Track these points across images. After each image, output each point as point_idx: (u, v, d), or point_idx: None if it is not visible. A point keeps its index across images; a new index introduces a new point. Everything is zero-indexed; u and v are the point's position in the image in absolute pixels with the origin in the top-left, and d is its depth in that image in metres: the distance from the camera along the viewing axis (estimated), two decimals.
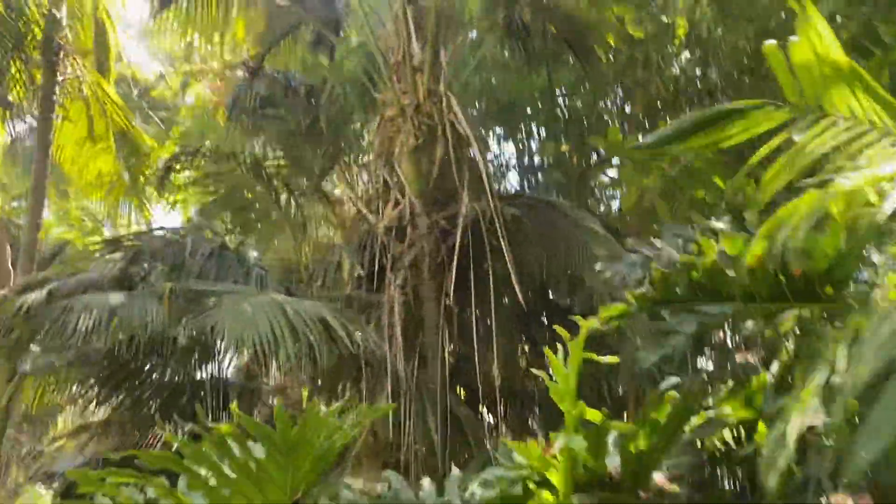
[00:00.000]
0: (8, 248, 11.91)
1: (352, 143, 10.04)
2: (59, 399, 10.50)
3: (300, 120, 9.05)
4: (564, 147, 10.53)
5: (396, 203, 7.39)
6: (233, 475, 1.87)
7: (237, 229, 9.56)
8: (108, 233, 15.29)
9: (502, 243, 6.38)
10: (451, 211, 7.07)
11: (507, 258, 6.32)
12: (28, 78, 9.48)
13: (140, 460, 1.87)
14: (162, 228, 7.38)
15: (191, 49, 13.35)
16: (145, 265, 6.74)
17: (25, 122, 14.78)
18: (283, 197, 9.16)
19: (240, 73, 9.00)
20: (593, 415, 1.85)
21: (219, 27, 10.73)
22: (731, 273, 2.30)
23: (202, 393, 7.59)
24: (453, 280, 6.79)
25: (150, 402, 7.54)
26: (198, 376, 7.55)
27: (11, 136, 15.58)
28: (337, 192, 10.51)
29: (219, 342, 6.67)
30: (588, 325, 1.92)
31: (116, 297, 6.12)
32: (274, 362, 8.09)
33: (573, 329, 2.06)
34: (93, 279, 6.60)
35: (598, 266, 4.30)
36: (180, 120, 13.07)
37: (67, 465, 7.68)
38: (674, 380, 1.99)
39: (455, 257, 6.78)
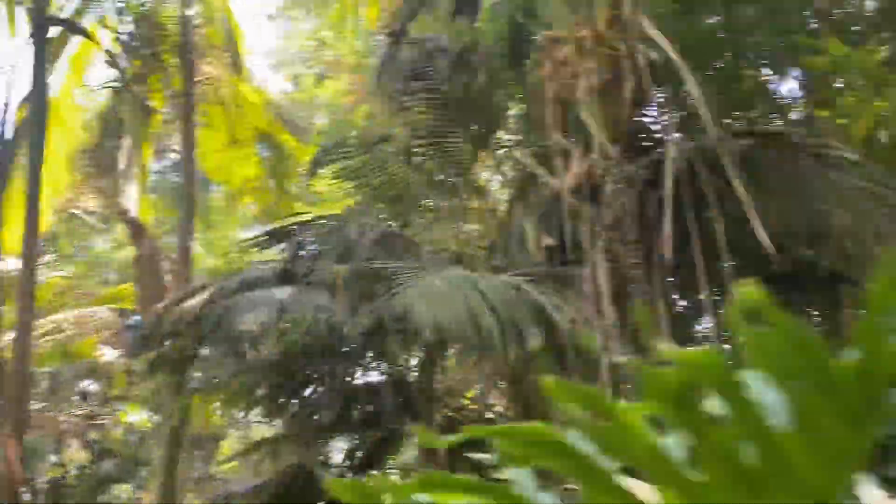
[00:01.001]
0: (163, 268, 11.68)
1: (505, 115, 9.03)
2: (226, 416, 10.05)
3: (450, 90, 8.09)
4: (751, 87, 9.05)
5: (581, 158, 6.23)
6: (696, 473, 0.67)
7: (393, 220, 8.75)
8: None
9: (735, 184, 5.05)
10: (654, 157, 5.83)
11: (745, 204, 4.97)
12: (166, 85, 9.11)
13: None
14: (322, 217, 6.59)
15: (322, 48, 12.86)
16: (310, 256, 5.94)
17: (169, 159, 14.87)
18: (437, 182, 8.26)
19: (382, 40, 8.13)
20: None
21: (350, 13, 10.08)
22: None
23: (379, 398, 6.74)
24: (670, 240, 5.54)
25: (324, 412, 6.76)
26: (373, 378, 6.71)
27: (159, 172, 15.75)
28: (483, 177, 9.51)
29: (395, 337, 5.76)
30: None
31: (283, 292, 5.33)
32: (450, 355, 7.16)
33: None
34: (255, 276, 5.88)
35: None
36: (319, 118, 12.57)
37: (245, 487, 7.01)
38: None
39: (668, 212, 5.52)
